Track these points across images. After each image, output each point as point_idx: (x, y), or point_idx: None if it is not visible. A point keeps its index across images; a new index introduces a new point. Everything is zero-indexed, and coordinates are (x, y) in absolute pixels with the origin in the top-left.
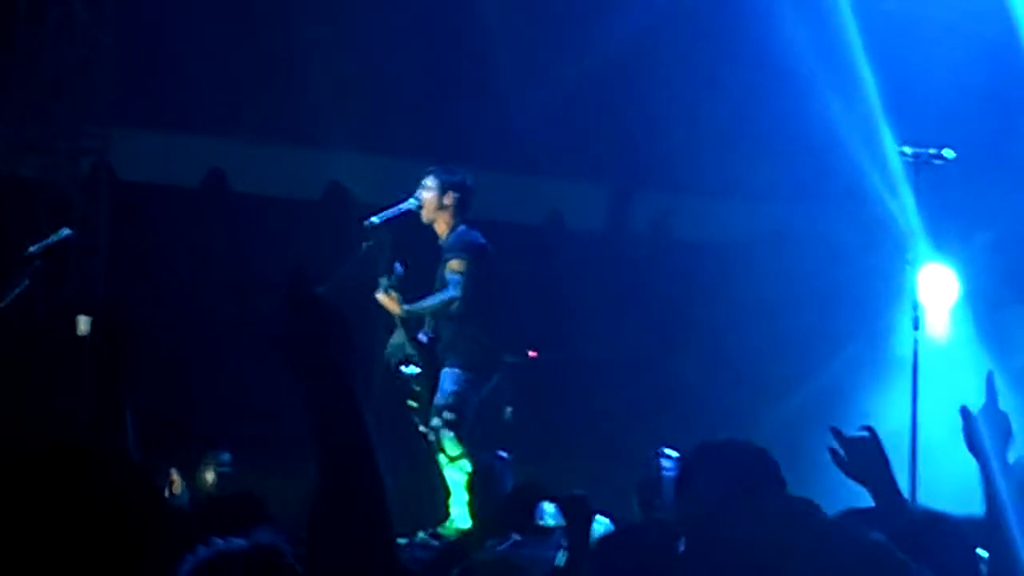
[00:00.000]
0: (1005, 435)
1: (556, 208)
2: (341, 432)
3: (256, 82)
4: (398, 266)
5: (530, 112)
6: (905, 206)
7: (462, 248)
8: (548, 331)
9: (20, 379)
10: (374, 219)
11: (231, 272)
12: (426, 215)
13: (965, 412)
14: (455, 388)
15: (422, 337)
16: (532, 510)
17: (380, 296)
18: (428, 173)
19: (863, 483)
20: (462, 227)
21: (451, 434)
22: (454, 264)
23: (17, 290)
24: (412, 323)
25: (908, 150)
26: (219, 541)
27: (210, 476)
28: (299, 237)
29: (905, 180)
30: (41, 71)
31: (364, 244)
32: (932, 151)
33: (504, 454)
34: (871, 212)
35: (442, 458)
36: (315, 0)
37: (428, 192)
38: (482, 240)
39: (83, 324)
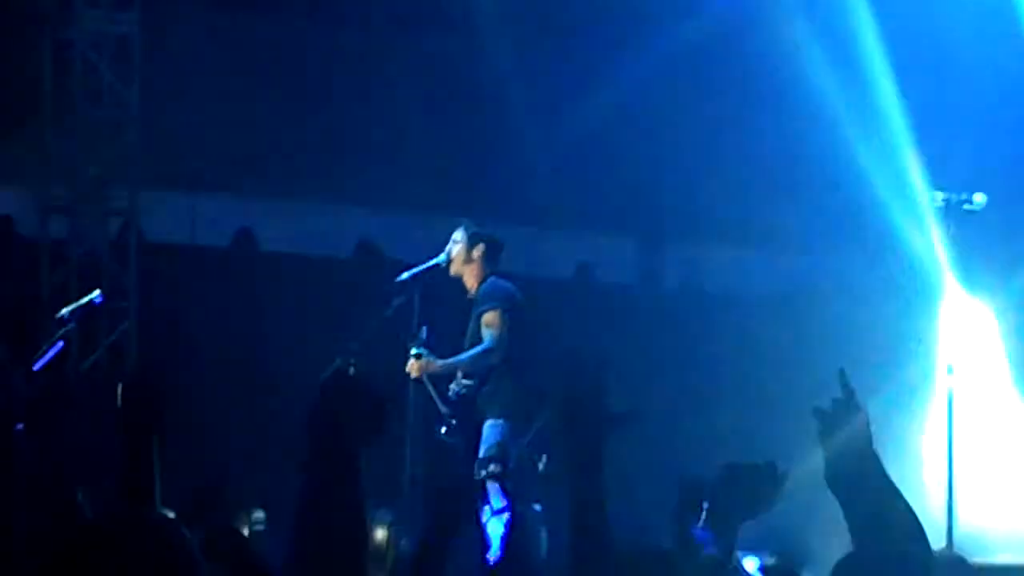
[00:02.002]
0: (861, 428)
1: (586, 261)
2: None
3: (283, 141)
4: (423, 329)
5: (558, 166)
6: (937, 252)
7: (494, 298)
8: None
9: (54, 443)
10: (404, 275)
11: (262, 331)
12: (454, 268)
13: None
14: (498, 439)
15: (451, 394)
16: None
17: (409, 365)
18: (457, 227)
19: None
20: (492, 278)
21: (496, 485)
22: (488, 317)
23: (52, 353)
24: (443, 381)
25: (940, 195)
26: None
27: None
28: (329, 295)
29: (937, 226)
30: (68, 132)
31: (395, 301)
32: (963, 196)
33: (537, 507)
34: (903, 259)
35: (485, 510)
36: (342, 60)
37: (456, 245)
38: (513, 289)
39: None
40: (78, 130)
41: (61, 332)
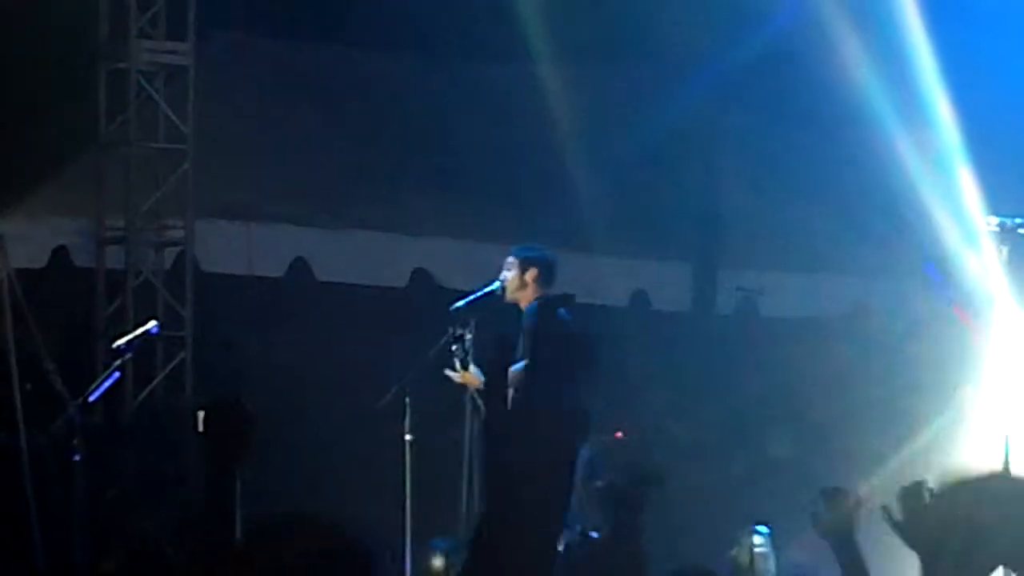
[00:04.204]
0: None
1: (642, 289)
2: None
3: (338, 171)
4: (468, 335)
5: (612, 193)
6: (992, 277)
7: (528, 316)
8: (635, 412)
9: (111, 475)
10: (459, 304)
11: (318, 361)
12: (509, 294)
13: None
14: None
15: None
16: None
17: (458, 373)
18: (510, 254)
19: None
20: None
21: None
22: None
23: (108, 383)
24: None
25: (994, 220)
26: None
27: None
28: (385, 324)
29: (991, 251)
30: (123, 163)
31: (450, 329)
32: (1018, 221)
33: (595, 534)
34: (956, 283)
35: None
36: (396, 89)
37: (510, 271)
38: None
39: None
40: (133, 160)
41: (117, 363)
